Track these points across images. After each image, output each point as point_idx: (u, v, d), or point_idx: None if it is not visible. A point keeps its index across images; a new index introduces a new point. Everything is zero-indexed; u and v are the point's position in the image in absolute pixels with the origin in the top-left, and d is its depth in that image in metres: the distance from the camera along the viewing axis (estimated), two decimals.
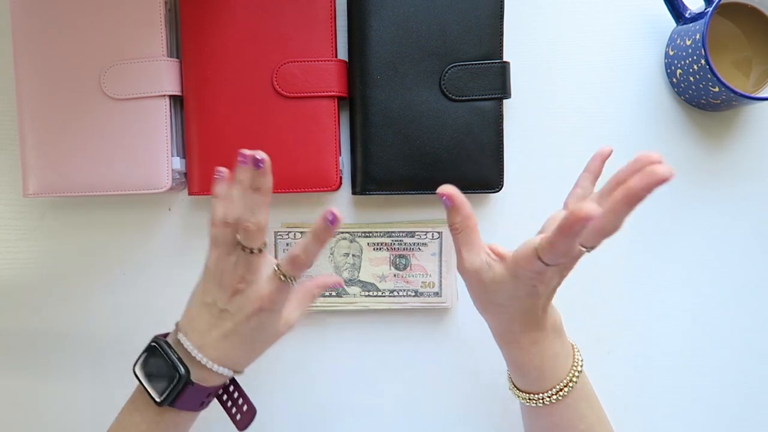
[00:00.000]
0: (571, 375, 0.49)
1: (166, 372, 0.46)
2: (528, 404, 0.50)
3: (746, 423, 0.62)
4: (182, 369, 0.46)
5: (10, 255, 0.62)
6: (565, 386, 0.48)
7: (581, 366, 0.50)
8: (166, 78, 0.57)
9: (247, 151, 0.45)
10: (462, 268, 0.48)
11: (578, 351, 0.51)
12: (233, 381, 0.52)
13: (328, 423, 0.62)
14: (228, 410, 0.52)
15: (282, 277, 0.46)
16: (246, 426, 0.52)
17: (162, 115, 0.58)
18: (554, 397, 0.48)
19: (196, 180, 0.58)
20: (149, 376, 0.47)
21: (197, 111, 0.58)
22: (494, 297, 0.47)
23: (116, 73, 0.57)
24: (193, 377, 0.46)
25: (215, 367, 0.47)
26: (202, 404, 0.49)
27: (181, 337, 0.47)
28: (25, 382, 0.62)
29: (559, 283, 0.47)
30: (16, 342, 0.62)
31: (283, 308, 0.49)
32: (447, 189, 0.45)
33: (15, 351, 0.62)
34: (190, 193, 0.59)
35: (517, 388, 0.51)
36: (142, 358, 0.48)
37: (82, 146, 0.58)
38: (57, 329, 0.62)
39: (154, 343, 0.48)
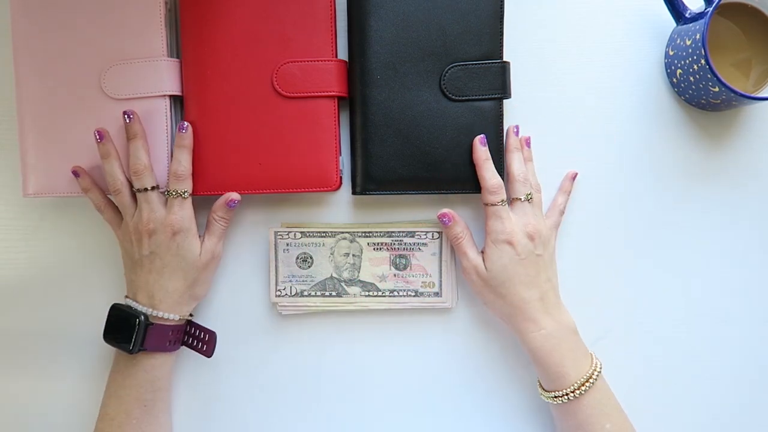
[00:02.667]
0: (591, 372, 0.54)
1: (128, 325, 0.54)
2: (555, 403, 0.54)
3: (746, 423, 0.62)
4: (141, 315, 0.54)
5: (10, 255, 0.62)
6: (587, 381, 0.54)
7: (600, 368, 0.55)
8: (166, 78, 0.57)
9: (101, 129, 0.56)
10: (467, 269, 0.57)
11: (596, 357, 0.56)
12: (189, 322, 0.59)
13: (327, 423, 0.62)
14: (195, 348, 0.59)
15: (173, 194, 0.55)
16: (212, 351, 0.59)
17: (162, 115, 0.58)
18: (577, 392, 0.53)
19: (197, 180, 0.58)
20: (116, 336, 0.55)
21: (197, 111, 0.58)
22: (494, 278, 0.55)
23: (116, 73, 0.57)
24: (151, 320, 0.55)
25: (163, 314, 0.55)
26: (169, 343, 0.56)
27: (129, 302, 0.56)
28: (25, 382, 0.62)
29: (528, 241, 0.55)
30: (16, 342, 0.62)
31: (200, 235, 0.57)
32: (444, 210, 0.57)
33: (15, 351, 0.62)
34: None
35: (545, 389, 0.56)
36: (107, 324, 0.56)
37: (82, 146, 0.58)
38: (57, 329, 0.62)
39: (114, 305, 0.56)
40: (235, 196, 0.57)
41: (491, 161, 0.57)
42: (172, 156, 0.58)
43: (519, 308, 0.55)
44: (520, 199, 0.56)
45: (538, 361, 0.55)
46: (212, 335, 0.59)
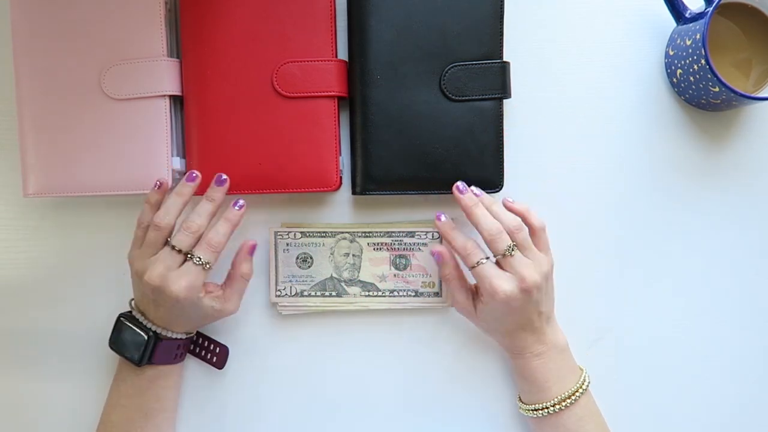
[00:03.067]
0: (575, 389, 0.54)
1: (138, 338, 0.53)
2: (533, 416, 0.54)
3: (745, 423, 0.62)
4: (150, 332, 0.54)
5: (10, 255, 0.62)
6: (569, 397, 0.53)
7: (587, 385, 0.55)
8: (166, 78, 0.57)
9: (195, 172, 0.55)
10: (457, 306, 0.57)
11: (586, 374, 0.56)
12: (198, 333, 0.60)
13: (328, 422, 0.62)
14: (203, 358, 0.60)
15: (197, 260, 0.52)
16: (223, 364, 0.60)
17: (162, 115, 0.58)
18: (556, 407, 0.53)
19: None
20: (124, 346, 0.54)
21: (197, 111, 0.58)
22: (485, 324, 0.56)
23: (116, 73, 0.57)
24: (161, 337, 0.54)
25: (171, 334, 0.55)
26: (176, 357, 0.56)
27: (137, 315, 0.55)
28: (24, 382, 0.62)
29: (524, 298, 0.52)
30: (16, 342, 0.62)
31: (219, 290, 0.55)
32: (437, 248, 0.56)
33: (15, 351, 0.62)
34: None
35: (525, 403, 0.56)
36: (114, 334, 0.55)
37: (82, 146, 0.58)
38: (57, 329, 0.62)
39: (121, 319, 0.55)
40: (252, 243, 0.56)
41: (477, 211, 0.53)
42: (173, 155, 0.58)
43: (508, 340, 0.55)
44: (503, 255, 0.52)
45: (524, 377, 0.55)
46: (224, 349, 0.60)
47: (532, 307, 0.53)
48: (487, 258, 0.53)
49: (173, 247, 0.52)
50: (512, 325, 0.54)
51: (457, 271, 0.56)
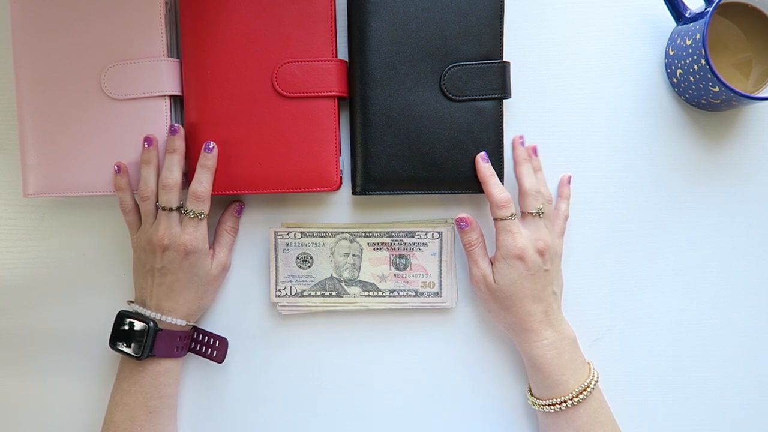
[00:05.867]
0: (589, 380, 0.54)
1: (136, 332, 0.55)
2: (550, 411, 0.54)
3: (746, 422, 0.62)
4: (150, 321, 0.55)
5: (10, 255, 0.62)
6: (585, 389, 0.54)
7: (597, 377, 0.55)
8: (166, 78, 0.57)
9: (150, 135, 0.57)
10: (475, 278, 0.57)
11: (594, 367, 0.56)
12: (196, 328, 0.60)
13: (328, 423, 0.62)
14: (203, 354, 0.59)
15: (190, 214, 0.55)
16: (223, 357, 0.60)
17: (162, 115, 0.58)
18: (576, 399, 0.53)
19: None
20: (124, 342, 0.55)
21: (197, 111, 0.58)
22: (501, 291, 0.55)
23: (116, 73, 0.57)
24: (160, 326, 0.55)
25: (172, 320, 0.55)
26: (177, 349, 0.57)
27: (136, 307, 0.56)
28: (24, 382, 0.62)
29: (541, 261, 0.55)
30: (16, 342, 0.62)
31: (211, 250, 0.58)
32: (462, 214, 0.57)
33: (15, 351, 0.62)
34: None
35: (539, 399, 0.56)
36: (114, 330, 0.56)
37: (82, 146, 0.58)
38: (57, 329, 0.62)
39: (121, 312, 0.56)
40: (239, 203, 0.59)
41: (496, 176, 0.56)
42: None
43: (522, 320, 0.55)
44: (532, 213, 0.56)
45: (538, 368, 0.55)
46: (223, 341, 0.60)
47: (545, 276, 0.55)
48: (514, 215, 0.55)
49: (164, 208, 0.55)
50: (526, 292, 0.54)
51: (482, 236, 0.58)
